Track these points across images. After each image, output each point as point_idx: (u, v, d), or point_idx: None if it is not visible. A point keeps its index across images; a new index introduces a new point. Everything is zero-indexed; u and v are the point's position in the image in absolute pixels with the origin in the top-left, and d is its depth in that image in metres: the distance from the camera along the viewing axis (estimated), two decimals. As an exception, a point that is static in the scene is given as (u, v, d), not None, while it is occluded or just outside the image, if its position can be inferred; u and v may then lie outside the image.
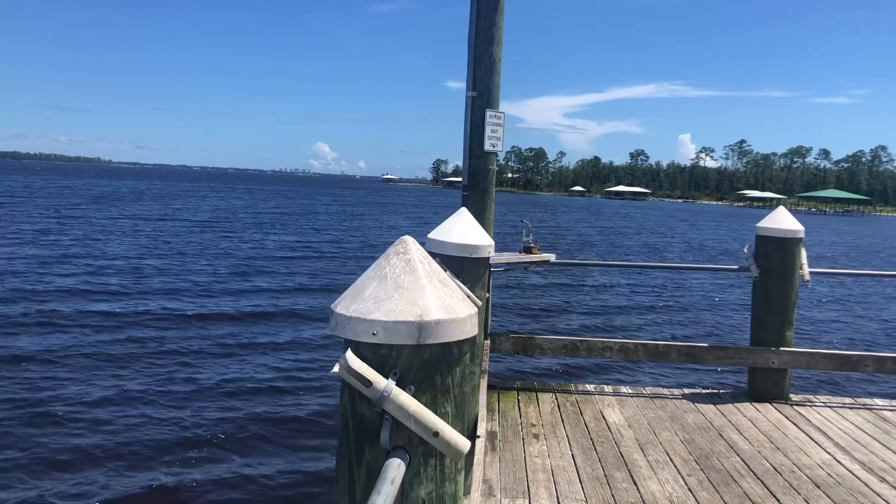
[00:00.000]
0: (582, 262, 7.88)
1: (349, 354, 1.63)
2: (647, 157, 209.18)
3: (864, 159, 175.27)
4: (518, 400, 5.82)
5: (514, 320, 14.60)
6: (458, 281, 4.16)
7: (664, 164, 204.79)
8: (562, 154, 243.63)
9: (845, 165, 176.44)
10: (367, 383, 1.60)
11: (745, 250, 6.23)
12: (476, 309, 1.82)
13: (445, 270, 4.14)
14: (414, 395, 1.65)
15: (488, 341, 5.99)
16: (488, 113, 5.88)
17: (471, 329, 1.76)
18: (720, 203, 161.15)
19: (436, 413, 1.68)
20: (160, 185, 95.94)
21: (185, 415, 8.28)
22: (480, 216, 5.99)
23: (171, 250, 23.63)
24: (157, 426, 7.92)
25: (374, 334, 1.63)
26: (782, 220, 6.07)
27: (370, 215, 53.81)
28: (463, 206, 6.09)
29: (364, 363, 1.63)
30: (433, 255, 4.33)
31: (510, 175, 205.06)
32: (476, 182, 5.99)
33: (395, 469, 1.54)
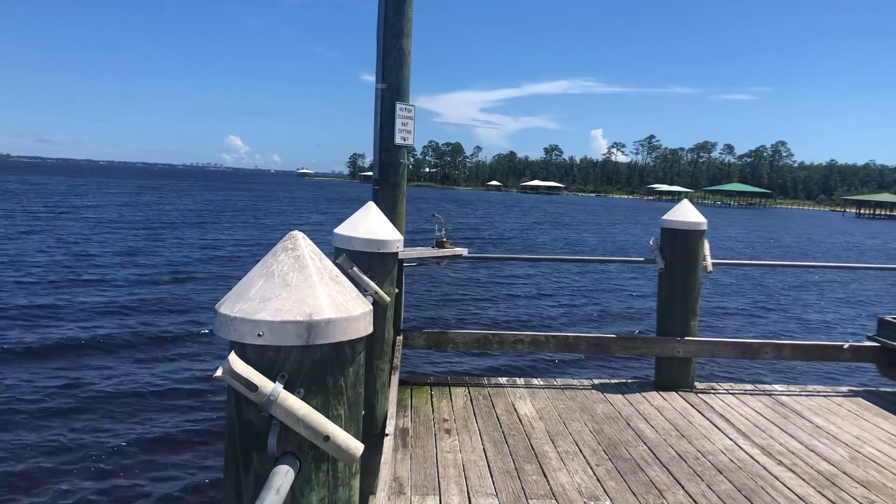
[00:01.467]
0: (494, 255, 7.91)
1: (232, 357, 1.54)
2: (562, 152, 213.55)
3: (765, 154, 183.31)
4: (431, 395, 5.79)
5: (428, 316, 14.59)
6: (365, 277, 4.10)
7: (578, 159, 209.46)
8: (478, 149, 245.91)
9: (748, 160, 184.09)
10: (252, 387, 1.52)
11: (651, 243, 6.36)
12: (370, 307, 1.75)
13: (352, 267, 4.07)
14: (304, 399, 1.58)
15: (400, 337, 5.94)
16: (398, 106, 5.81)
17: (365, 328, 1.69)
18: (631, 197, 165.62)
19: (328, 416, 1.61)
20: (60, 182, 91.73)
21: (69, 426, 7.83)
22: (392, 211, 5.92)
23: (67, 250, 22.61)
24: (31, 441, 7.43)
25: (259, 335, 1.55)
26: (686, 213, 6.23)
27: (286, 211, 52.90)
28: (374, 200, 6.01)
29: (249, 366, 1.55)
30: (340, 250, 4.25)
31: (427, 170, 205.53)
32: (387, 176, 5.92)
33: (282, 477, 1.46)
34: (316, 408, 1.59)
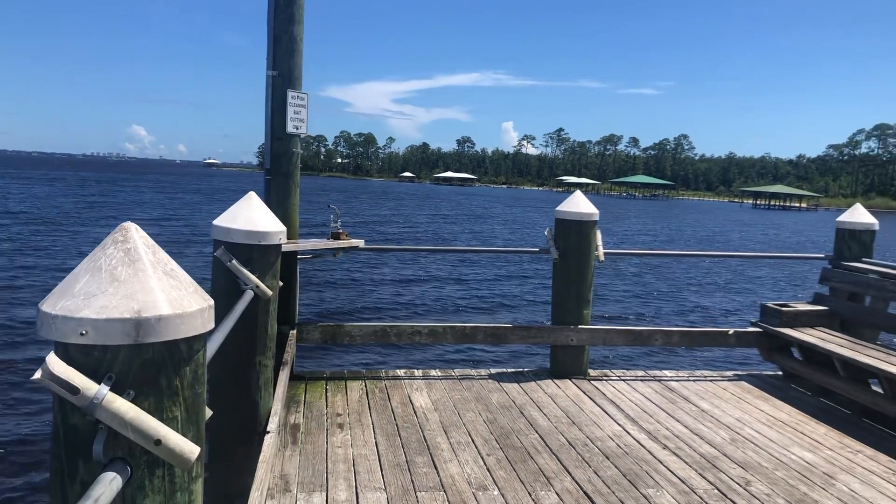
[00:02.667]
0: (391, 247, 7.86)
1: (51, 358, 1.43)
2: (474, 144, 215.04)
3: (668, 147, 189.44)
4: (326, 390, 5.69)
5: (324, 309, 14.41)
6: (245, 270, 3.97)
7: (489, 151, 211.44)
8: (391, 140, 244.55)
9: (652, 153, 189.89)
10: (74, 390, 1.41)
11: (546, 233, 6.43)
12: (210, 302, 1.67)
13: (231, 260, 3.94)
14: (134, 401, 1.48)
15: (294, 332, 5.82)
16: (290, 94, 5.67)
17: (202, 324, 1.61)
18: (541, 189, 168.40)
19: (162, 419, 1.52)
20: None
21: None
22: (285, 201, 5.79)
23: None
24: None
25: (83, 334, 1.44)
26: (579, 204, 6.33)
27: (191, 204, 51.36)
28: (265, 190, 5.86)
29: (71, 367, 1.44)
30: (218, 243, 4.10)
31: (340, 160, 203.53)
32: (279, 166, 5.77)
33: (105, 485, 1.37)
34: (148, 410, 1.50)
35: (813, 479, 4.38)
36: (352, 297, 16.13)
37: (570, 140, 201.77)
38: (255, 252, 4.03)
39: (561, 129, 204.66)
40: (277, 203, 5.77)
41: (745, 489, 4.19)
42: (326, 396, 5.53)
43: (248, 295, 3.76)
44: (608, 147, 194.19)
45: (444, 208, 61.30)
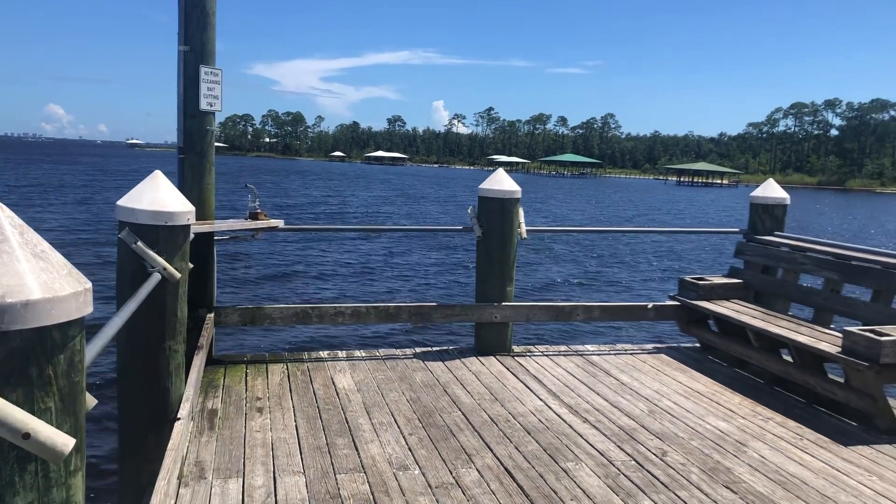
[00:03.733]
0: (312, 227, 7.68)
1: None
2: (405, 123, 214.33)
3: (595, 126, 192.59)
4: (246, 373, 5.57)
5: (244, 291, 14.15)
6: (151, 252, 3.82)
7: (420, 130, 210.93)
8: (320, 119, 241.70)
9: (580, 131, 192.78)
10: (-73, 383, 1.30)
11: (469, 211, 6.42)
12: (87, 286, 1.57)
13: (136, 241, 3.78)
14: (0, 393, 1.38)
15: (212, 315, 5.67)
16: (203, 69, 5.48)
17: (78, 309, 1.51)
18: (472, 168, 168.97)
19: (32, 411, 1.42)
20: None
21: None
22: (200, 181, 5.62)
23: None
24: None
25: (-60, 322, 1.33)
26: (501, 182, 6.32)
27: (112, 187, 49.62)
28: (179, 170, 5.67)
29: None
30: (123, 224, 3.94)
31: (268, 140, 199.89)
32: (193, 144, 5.58)
33: (-34, 484, 1.27)
34: (16, 402, 1.40)
35: (726, 447, 4.50)
36: (273, 278, 15.87)
37: (501, 119, 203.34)
38: (161, 233, 3.88)
39: (491, 109, 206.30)
40: (192, 183, 5.59)
41: (661, 459, 4.28)
42: (246, 380, 5.42)
43: (155, 278, 3.62)
44: (538, 126, 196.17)
45: (375, 188, 60.90)
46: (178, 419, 3.49)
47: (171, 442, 3.22)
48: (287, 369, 5.71)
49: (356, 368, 5.80)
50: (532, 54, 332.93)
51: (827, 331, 5.56)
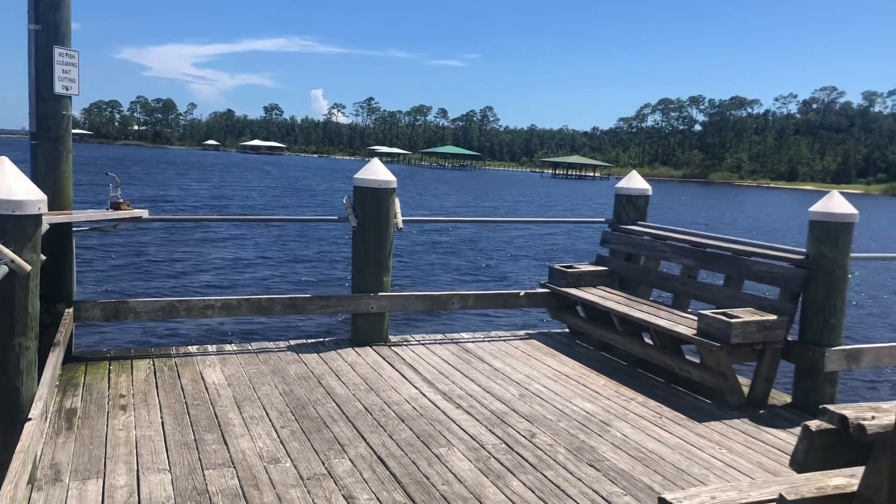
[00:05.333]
0: (179, 217, 7.42)
1: None
2: (282, 112, 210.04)
3: (475, 118, 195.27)
4: (109, 370, 5.32)
5: (107, 285, 13.51)
6: (-4, 243, 3.58)
7: (299, 119, 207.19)
8: (193, 106, 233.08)
9: (460, 124, 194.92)
10: None
11: (345, 201, 6.38)
12: None
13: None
14: None
15: (71, 310, 5.38)
16: (57, 50, 5.17)
17: None
18: (353, 158, 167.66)
19: None
20: None
21: None
22: (56, 169, 5.31)
23: None
24: None
25: None
26: (376, 172, 6.32)
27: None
28: (32, 157, 5.34)
29: None
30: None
31: (137, 127, 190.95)
32: (47, 129, 5.26)
33: None
34: None
35: (591, 428, 4.70)
36: (139, 272, 15.20)
37: (381, 110, 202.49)
38: (9, 223, 3.64)
39: (371, 99, 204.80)
40: (46, 170, 5.27)
41: (530, 441, 4.42)
42: (109, 377, 5.18)
43: (2, 271, 3.40)
44: (418, 117, 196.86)
45: (252, 179, 59.35)
46: (30, 419, 3.30)
47: (20, 444, 3.03)
48: (153, 365, 5.50)
49: (227, 363, 5.66)
50: (412, 45, 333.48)
51: (684, 314, 5.90)
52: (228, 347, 6.10)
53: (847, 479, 2.22)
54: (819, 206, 5.25)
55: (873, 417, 1.93)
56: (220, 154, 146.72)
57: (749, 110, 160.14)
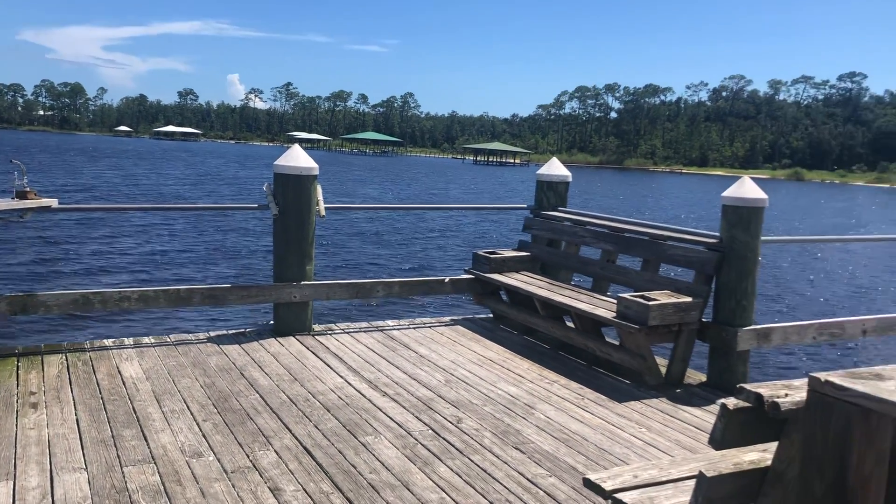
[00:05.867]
0: (91, 206, 7.14)
1: None
2: (197, 97, 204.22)
3: (396, 105, 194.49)
4: (18, 367, 5.09)
5: (15, 277, 12.90)
6: None
7: (215, 104, 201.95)
8: (103, 90, 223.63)
9: (381, 110, 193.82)
10: None
11: (265, 188, 6.25)
12: None
13: None
14: None
15: (-27, 305, 5.12)
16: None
17: None
18: (272, 144, 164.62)
19: None
20: None
21: None
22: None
23: None
24: None
25: None
26: (297, 158, 6.22)
27: None
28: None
29: None
30: None
31: (42, 112, 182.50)
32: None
33: None
34: None
35: (516, 411, 4.77)
36: (50, 263, 14.57)
37: (300, 95, 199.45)
38: None
39: (290, 84, 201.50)
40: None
41: (456, 426, 4.45)
42: (18, 374, 4.95)
43: None
44: (338, 103, 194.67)
45: (167, 166, 57.57)
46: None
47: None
48: (66, 360, 5.28)
49: (145, 356, 5.49)
50: (331, 29, 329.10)
51: (604, 298, 6.04)
52: (146, 340, 5.92)
53: (761, 454, 2.31)
54: (731, 192, 5.44)
55: (786, 395, 2.02)
56: (133, 140, 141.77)
57: (662, 98, 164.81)
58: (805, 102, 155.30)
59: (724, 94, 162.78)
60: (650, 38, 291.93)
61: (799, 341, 5.97)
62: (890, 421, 1.90)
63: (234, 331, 6.35)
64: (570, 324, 6.17)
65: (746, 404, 2.08)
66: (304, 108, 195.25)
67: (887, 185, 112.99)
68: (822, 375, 1.95)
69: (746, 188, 5.42)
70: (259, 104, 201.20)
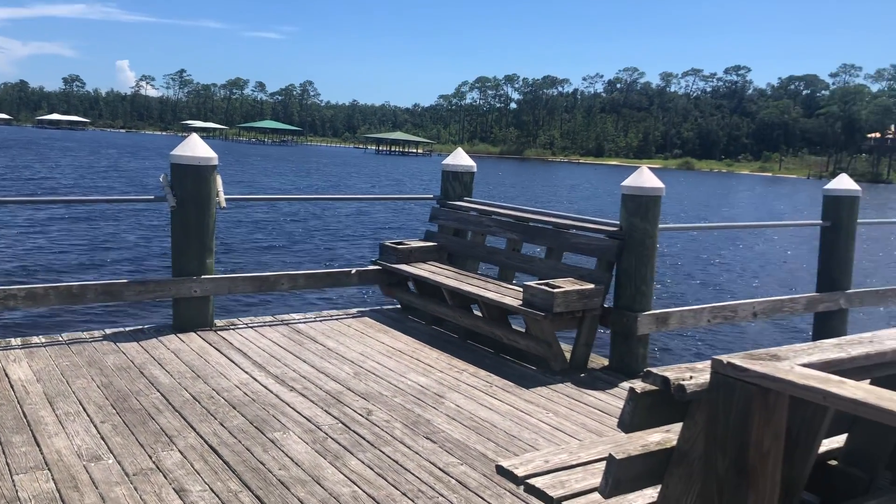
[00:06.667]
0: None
1: None
2: (84, 84, 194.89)
3: (295, 93, 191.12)
4: None
5: None
6: None
7: (103, 91, 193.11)
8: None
9: (279, 98, 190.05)
10: None
11: (161, 179, 6.03)
12: None
13: None
14: None
15: None
16: None
17: None
18: (165, 133, 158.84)
19: None
20: None
21: None
22: None
23: None
24: None
25: None
26: (195, 148, 6.01)
27: None
28: None
29: None
30: None
31: None
32: None
33: None
34: None
35: (426, 401, 4.78)
36: None
37: (195, 82, 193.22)
38: None
39: (183, 71, 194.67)
40: None
41: (366, 419, 4.43)
42: None
43: None
44: (234, 91, 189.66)
45: (53, 156, 54.65)
46: None
47: None
48: (-54, 364, 4.95)
49: (35, 356, 5.20)
50: (226, 15, 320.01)
51: (510, 286, 6.13)
52: (36, 340, 5.61)
53: (665, 434, 2.40)
54: (630, 181, 5.61)
55: (691, 377, 2.09)
56: (14, 129, 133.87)
57: (560, 89, 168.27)
58: (694, 94, 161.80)
59: (618, 85, 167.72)
60: (548, 30, 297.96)
61: (695, 324, 6.24)
62: (786, 399, 2.01)
63: (131, 328, 6.10)
64: (478, 313, 6.23)
65: (653, 387, 2.15)
66: (199, 96, 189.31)
67: (770, 174, 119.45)
68: (724, 357, 2.04)
69: (644, 178, 5.60)
70: (151, 92, 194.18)
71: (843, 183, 7.20)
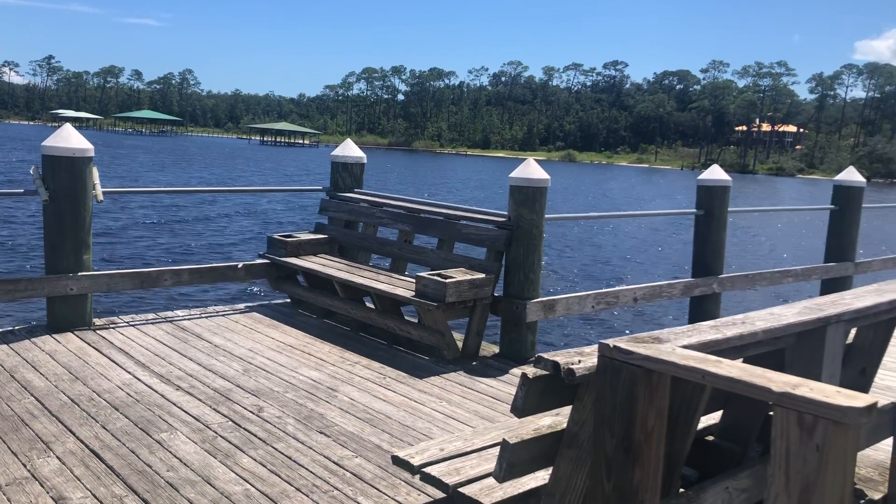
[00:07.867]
0: None
1: None
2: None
3: (174, 82, 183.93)
4: None
5: None
6: None
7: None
8: None
9: (157, 87, 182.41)
10: None
11: (32, 171, 5.68)
12: None
13: None
14: None
15: None
16: None
17: None
18: (32, 123, 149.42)
19: None
20: None
21: None
22: None
23: None
24: None
25: None
26: (70, 139, 5.70)
27: None
28: None
29: None
30: None
31: None
32: None
33: None
34: None
35: (319, 395, 4.74)
36: None
37: (65, 70, 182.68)
38: None
39: (52, 57, 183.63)
40: None
41: (257, 416, 4.34)
42: None
43: None
44: (109, 79, 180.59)
45: None
46: None
47: None
48: None
49: None
50: (98, 1, 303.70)
51: (402, 277, 6.14)
52: None
53: (554, 418, 2.48)
54: (518, 173, 5.73)
55: (580, 361, 2.17)
56: None
57: (447, 81, 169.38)
58: (575, 88, 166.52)
59: (503, 79, 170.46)
60: (434, 22, 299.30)
61: (580, 310, 6.45)
62: (668, 379, 2.11)
63: (0, 330, 5.74)
64: (370, 304, 6.21)
65: (545, 372, 2.22)
66: (70, 84, 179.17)
67: (647, 165, 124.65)
68: (611, 341, 2.13)
69: (531, 170, 5.73)
70: (16, 79, 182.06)
71: (716, 173, 7.60)
